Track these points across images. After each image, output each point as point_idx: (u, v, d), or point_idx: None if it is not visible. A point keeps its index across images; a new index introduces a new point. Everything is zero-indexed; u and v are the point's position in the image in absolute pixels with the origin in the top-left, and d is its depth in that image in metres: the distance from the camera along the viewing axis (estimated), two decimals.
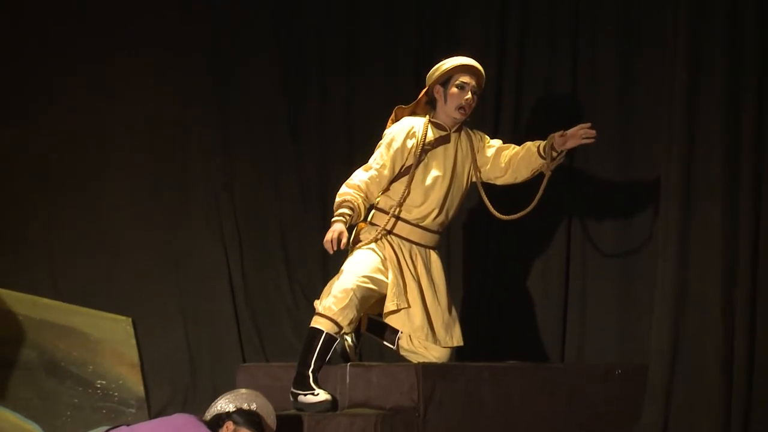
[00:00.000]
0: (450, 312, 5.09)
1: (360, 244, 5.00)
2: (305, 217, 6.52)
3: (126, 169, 6.34)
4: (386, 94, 6.07)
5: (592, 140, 4.85)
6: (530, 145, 5.02)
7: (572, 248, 5.81)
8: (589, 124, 4.85)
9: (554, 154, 4.91)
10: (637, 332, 5.54)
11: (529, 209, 5.01)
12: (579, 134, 4.87)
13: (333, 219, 4.89)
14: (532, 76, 5.99)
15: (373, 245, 4.99)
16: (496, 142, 5.17)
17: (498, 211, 5.13)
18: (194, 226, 6.43)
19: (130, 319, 6.27)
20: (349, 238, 4.97)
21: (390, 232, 5.00)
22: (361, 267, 4.91)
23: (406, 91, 5.44)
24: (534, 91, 6.01)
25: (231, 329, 6.38)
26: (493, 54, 6.02)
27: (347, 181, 5.00)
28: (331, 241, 4.77)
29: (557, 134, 4.91)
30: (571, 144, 4.88)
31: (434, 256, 5.13)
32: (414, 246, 5.06)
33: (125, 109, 6.32)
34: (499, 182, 5.12)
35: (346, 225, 4.88)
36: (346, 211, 4.87)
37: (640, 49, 5.63)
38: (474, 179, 5.09)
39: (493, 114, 6.04)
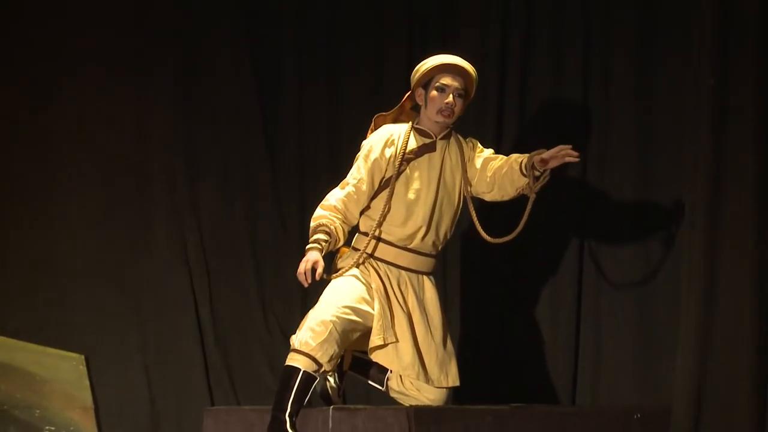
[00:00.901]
0: (445, 347, 4.84)
1: (340, 271, 4.77)
2: (282, 241, 6.31)
3: (78, 188, 6.15)
4: (374, 103, 5.69)
5: (576, 161, 4.70)
6: (514, 161, 4.81)
7: (585, 275, 5.60)
8: (569, 146, 4.67)
9: (536, 173, 4.72)
10: (657, 371, 5.33)
11: (515, 233, 4.81)
12: (561, 155, 4.68)
13: (307, 246, 4.70)
14: (538, 80, 5.80)
15: (355, 272, 4.76)
16: (487, 152, 4.95)
17: (496, 230, 4.92)
18: (155, 252, 6.23)
19: (82, 357, 6.05)
20: (329, 267, 4.79)
21: (373, 256, 4.80)
22: (341, 296, 4.67)
23: (397, 100, 5.08)
24: (539, 98, 5.80)
25: (198, 368, 6.17)
26: (494, 54, 5.82)
27: (322, 202, 4.82)
28: (305, 272, 4.59)
29: (536, 154, 4.72)
30: (553, 164, 4.70)
31: (428, 284, 4.88)
32: (403, 272, 4.83)
33: (75, 119, 6.15)
34: (487, 198, 4.92)
35: (322, 253, 4.69)
36: (322, 237, 4.70)
37: (659, 51, 5.42)
38: (465, 193, 4.88)
39: (495, 118, 5.85)
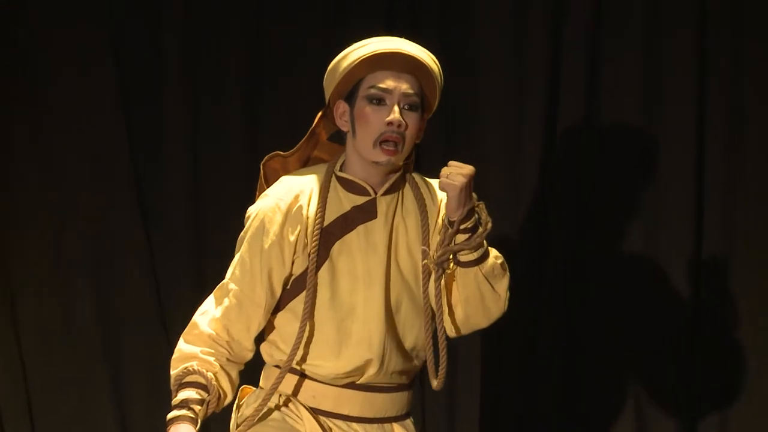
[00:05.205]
0: None
1: (246, 421, 3.59)
2: (158, 357, 4.96)
3: None
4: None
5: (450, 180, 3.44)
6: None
7: None
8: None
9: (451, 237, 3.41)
10: None
11: (442, 368, 3.64)
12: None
13: (168, 417, 3.52)
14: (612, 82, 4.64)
15: (276, 415, 3.58)
16: None
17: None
18: None
19: None
20: None
21: (297, 399, 3.64)
22: None
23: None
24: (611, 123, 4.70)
25: None
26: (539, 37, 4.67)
27: (188, 328, 3.59)
28: None
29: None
30: (449, 205, 3.43)
31: None
32: (354, 424, 3.66)
33: None
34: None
35: (197, 424, 3.54)
36: (192, 395, 3.53)
37: None
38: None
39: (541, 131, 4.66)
